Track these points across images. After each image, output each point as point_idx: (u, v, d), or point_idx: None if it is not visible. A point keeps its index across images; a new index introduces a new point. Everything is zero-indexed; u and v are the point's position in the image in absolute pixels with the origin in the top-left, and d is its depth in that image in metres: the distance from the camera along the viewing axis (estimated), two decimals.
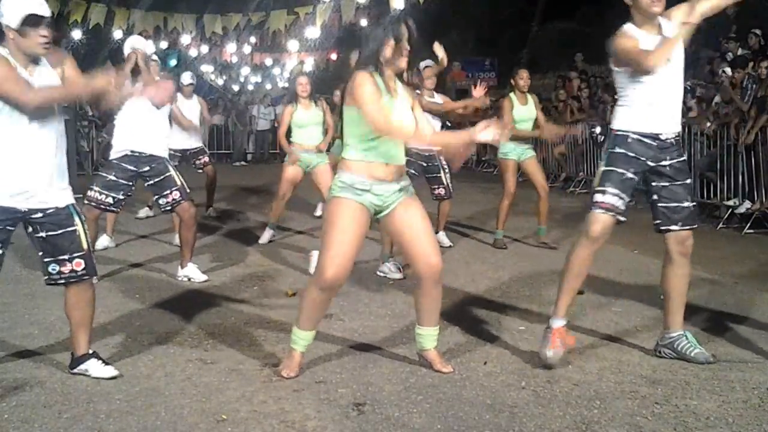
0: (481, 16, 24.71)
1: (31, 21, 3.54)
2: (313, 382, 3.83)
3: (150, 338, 4.53)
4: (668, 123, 4.10)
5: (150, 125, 5.94)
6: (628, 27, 4.05)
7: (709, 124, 9.92)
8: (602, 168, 4.14)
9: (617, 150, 4.10)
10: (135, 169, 5.91)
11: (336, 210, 3.79)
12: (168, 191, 5.92)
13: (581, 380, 3.87)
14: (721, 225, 9.20)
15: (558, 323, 4.11)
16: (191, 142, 8.94)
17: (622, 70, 4.07)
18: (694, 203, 4.19)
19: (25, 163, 3.61)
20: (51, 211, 3.70)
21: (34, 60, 3.66)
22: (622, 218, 4.09)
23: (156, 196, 6.04)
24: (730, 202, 9.38)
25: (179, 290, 5.76)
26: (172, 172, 5.97)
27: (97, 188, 5.87)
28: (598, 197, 4.08)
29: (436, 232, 7.76)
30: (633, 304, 5.37)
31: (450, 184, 7.58)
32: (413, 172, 7.37)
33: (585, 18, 23.45)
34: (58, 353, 4.19)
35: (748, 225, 8.87)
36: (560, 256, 7.33)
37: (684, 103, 10.74)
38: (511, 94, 7.74)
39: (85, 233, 3.83)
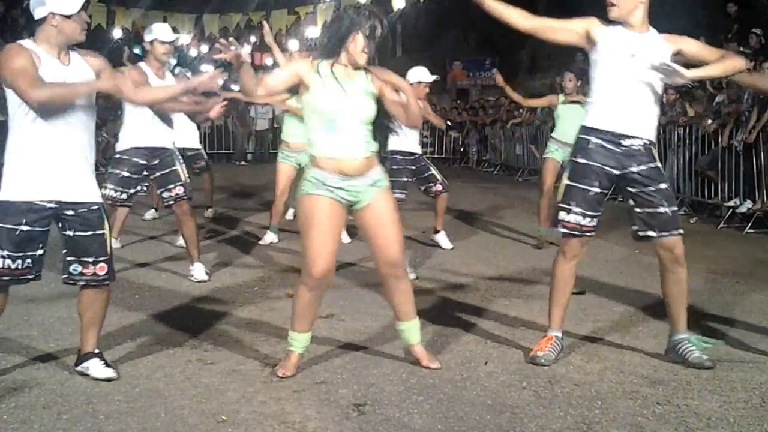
0: (482, 15, 24.66)
1: (83, 6, 3.61)
2: (314, 382, 3.82)
3: (150, 339, 4.52)
4: (634, 126, 3.95)
5: (157, 118, 5.96)
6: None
7: (710, 122, 9.90)
8: (565, 181, 4.05)
9: (579, 160, 4.01)
10: (145, 162, 5.98)
11: (310, 207, 3.79)
12: (173, 185, 5.99)
13: (582, 380, 3.86)
14: (722, 225, 9.20)
15: (553, 332, 4.16)
16: (189, 141, 8.78)
17: (592, 60, 4.01)
18: (674, 209, 4.03)
19: (51, 156, 3.62)
20: (82, 210, 3.70)
21: (70, 48, 3.68)
22: (590, 235, 4.05)
23: (160, 189, 6.10)
24: (731, 202, 9.37)
25: (180, 291, 5.75)
26: (179, 167, 6.04)
27: (111, 186, 5.93)
28: (562, 215, 4.02)
29: (437, 233, 7.79)
30: (634, 304, 5.35)
31: (443, 177, 7.61)
32: (405, 179, 7.36)
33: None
34: (58, 355, 4.17)
35: (749, 225, 8.87)
36: None
37: (683, 102, 10.83)
38: (561, 96, 7.84)
39: (110, 238, 3.83)
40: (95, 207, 3.76)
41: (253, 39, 22.26)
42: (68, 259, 3.76)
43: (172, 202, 6.05)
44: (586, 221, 4.01)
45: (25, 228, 3.60)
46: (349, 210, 3.90)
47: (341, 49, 3.77)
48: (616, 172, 3.99)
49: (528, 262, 7.09)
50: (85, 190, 3.73)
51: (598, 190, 4.00)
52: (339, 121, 3.74)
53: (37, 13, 3.63)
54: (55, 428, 3.28)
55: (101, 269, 3.77)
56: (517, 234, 8.50)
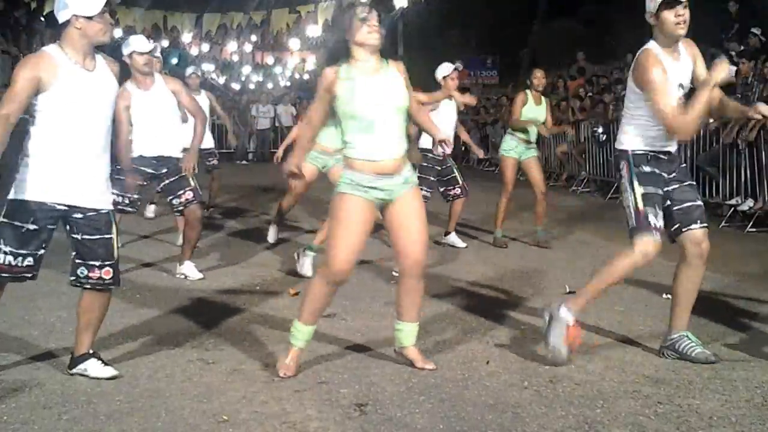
0: (483, 14, 24.71)
1: (107, 6, 3.62)
2: (315, 382, 3.82)
3: (151, 339, 4.51)
4: (674, 140, 4.13)
5: (161, 126, 5.98)
6: (653, 47, 3.99)
7: (711, 120, 9.89)
8: (641, 189, 4.06)
9: (645, 169, 4.09)
10: (153, 171, 6.01)
11: (342, 206, 3.85)
12: (182, 191, 5.98)
13: (584, 380, 3.86)
14: (723, 223, 9.19)
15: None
16: (204, 141, 8.78)
17: (639, 92, 4.03)
18: (702, 203, 4.23)
19: (70, 161, 3.63)
20: (91, 214, 3.72)
21: (94, 51, 3.69)
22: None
23: (169, 197, 6.07)
24: (733, 201, 9.36)
25: (181, 290, 5.74)
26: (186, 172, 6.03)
27: (116, 191, 5.86)
28: (652, 220, 4.03)
29: (447, 234, 7.78)
30: (636, 304, 5.35)
31: (464, 182, 7.60)
32: (432, 178, 7.38)
33: (587, 17, 23.45)
34: (58, 355, 4.16)
35: (751, 223, 8.86)
36: (561, 256, 7.36)
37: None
38: (528, 91, 7.80)
39: (118, 243, 3.85)
40: (105, 211, 3.77)
41: (254, 38, 22.25)
42: (76, 261, 3.77)
43: (182, 208, 6.04)
44: (659, 222, 4.08)
45: (31, 227, 3.62)
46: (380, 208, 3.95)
47: (350, 46, 3.83)
48: (666, 175, 4.13)
49: (530, 261, 7.08)
50: (97, 196, 3.74)
51: (662, 193, 4.12)
52: (377, 122, 3.80)
53: (61, 17, 3.63)
54: (56, 428, 3.28)
55: (107, 273, 3.78)
56: (519, 233, 8.49)
